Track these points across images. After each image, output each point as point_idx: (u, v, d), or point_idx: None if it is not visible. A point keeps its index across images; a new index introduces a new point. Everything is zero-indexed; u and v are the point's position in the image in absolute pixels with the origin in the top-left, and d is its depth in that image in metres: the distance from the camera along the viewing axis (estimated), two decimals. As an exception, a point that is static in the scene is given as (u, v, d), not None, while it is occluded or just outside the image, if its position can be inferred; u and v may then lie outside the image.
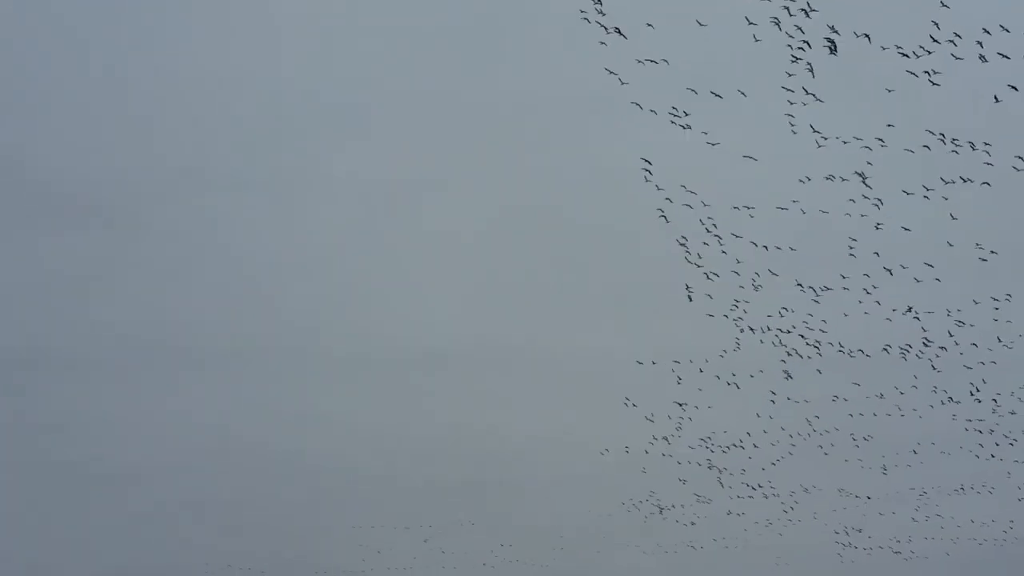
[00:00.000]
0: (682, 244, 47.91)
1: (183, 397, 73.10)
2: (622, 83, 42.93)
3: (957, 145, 42.26)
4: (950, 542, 67.64)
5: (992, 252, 45.14)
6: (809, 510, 64.83)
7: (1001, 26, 38.32)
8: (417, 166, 74.05)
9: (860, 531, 67.31)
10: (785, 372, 51.29)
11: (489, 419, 70.23)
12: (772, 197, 47.91)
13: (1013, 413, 53.96)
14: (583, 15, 41.26)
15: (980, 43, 38.29)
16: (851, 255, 47.56)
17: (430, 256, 75.41)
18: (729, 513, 63.90)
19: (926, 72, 39.57)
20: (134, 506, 70.37)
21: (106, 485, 70.57)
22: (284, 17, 71.98)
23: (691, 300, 49.68)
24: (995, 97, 40.03)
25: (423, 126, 73.08)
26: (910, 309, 48.51)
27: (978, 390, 51.96)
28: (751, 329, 50.90)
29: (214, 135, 75.02)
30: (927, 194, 44.83)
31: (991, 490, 62.90)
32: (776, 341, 50.79)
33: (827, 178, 45.51)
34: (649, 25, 41.43)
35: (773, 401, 55.19)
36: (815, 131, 43.32)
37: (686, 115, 43.43)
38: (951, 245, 47.03)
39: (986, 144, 42.12)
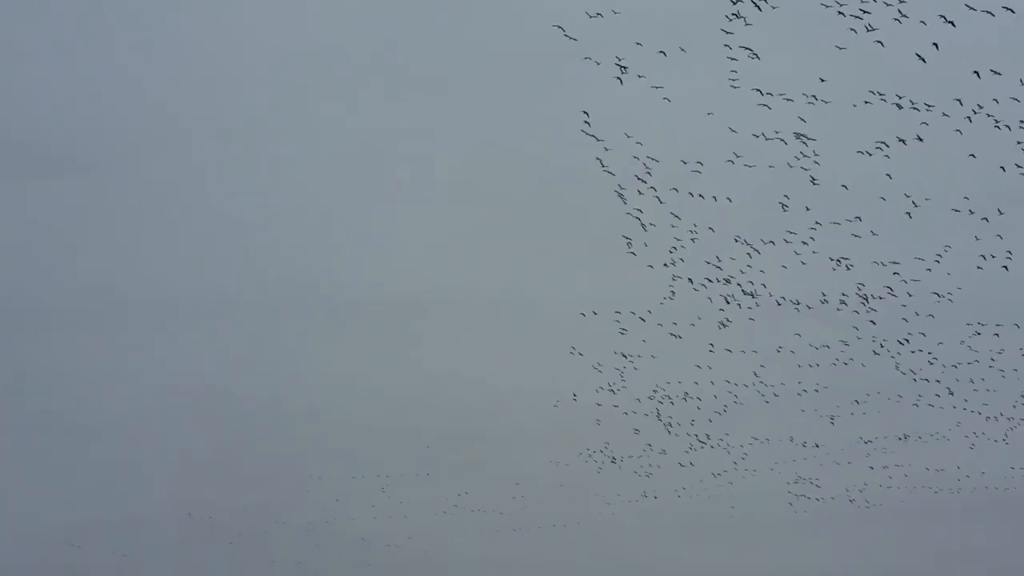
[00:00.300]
0: (619, 194, 48.10)
1: (162, 346, 73.60)
2: (570, 38, 43.19)
3: (899, 103, 42.41)
4: (906, 491, 68.24)
5: (915, 205, 45.40)
6: (761, 460, 65.35)
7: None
8: (396, 114, 74.08)
9: (817, 480, 67.78)
10: (720, 322, 51.60)
11: (446, 369, 70.72)
12: (716, 151, 48.10)
13: (956, 366, 54.33)
14: None
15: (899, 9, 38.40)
16: (787, 209, 47.78)
17: (405, 205, 75.55)
18: (682, 465, 64.36)
19: (867, 28, 39.65)
20: (107, 455, 70.88)
21: (81, 435, 71.11)
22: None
23: (631, 250, 50.10)
24: (920, 56, 40.13)
25: (402, 74, 73.04)
26: (842, 260, 48.74)
27: (908, 340, 52.38)
28: (689, 280, 51.14)
29: (195, 85, 75.08)
30: (867, 151, 45.05)
31: (945, 439, 63.34)
32: (718, 292, 51.10)
33: (767, 138, 45.61)
34: None
35: (711, 351, 55.56)
36: (759, 91, 43.50)
37: (625, 69, 43.57)
38: (884, 199, 47.24)
39: (928, 105, 42.34)
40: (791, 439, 63.63)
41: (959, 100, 41.16)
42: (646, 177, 46.65)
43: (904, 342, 52.19)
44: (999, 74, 39.15)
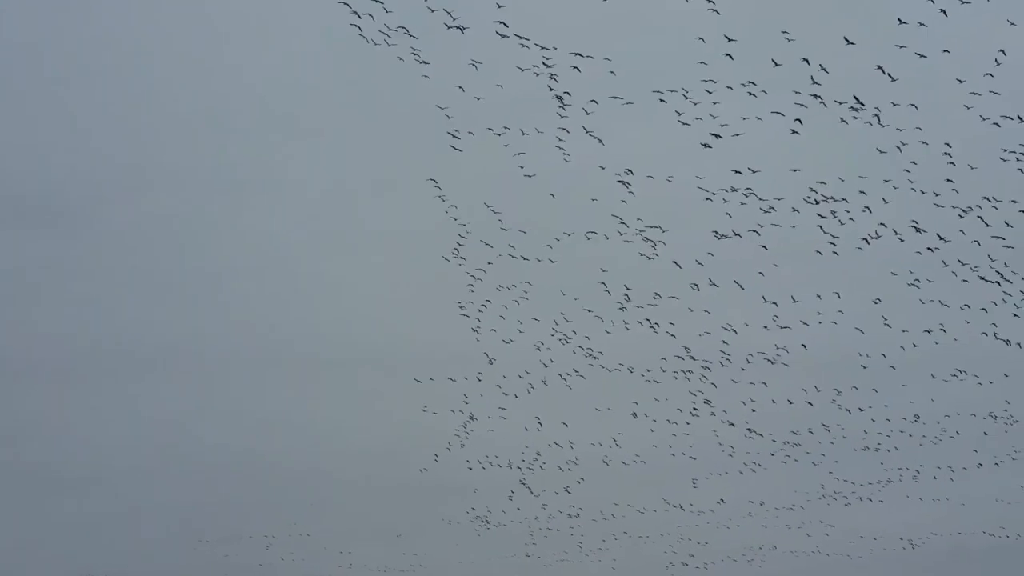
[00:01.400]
0: (451, 259, 48.81)
1: (134, 400, 73.58)
2: (448, 117, 44.20)
3: (748, 193, 43.46)
4: (806, 555, 67.96)
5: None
6: (640, 524, 65.13)
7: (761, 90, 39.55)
8: (364, 167, 74.28)
9: (705, 542, 67.33)
10: (541, 382, 52.28)
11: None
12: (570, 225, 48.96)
13: (799, 433, 54.67)
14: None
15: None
16: (606, 286, 48.56)
17: (379, 256, 75.45)
18: (551, 531, 64.36)
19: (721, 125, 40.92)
20: (88, 510, 70.72)
21: (60, 490, 71.15)
22: (230, 16, 72.30)
23: (464, 314, 50.77)
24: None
25: (370, 127, 73.21)
26: (665, 325, 49.24)
27: (739, 403, 52.86)
28: (540, 345, 51.77)
29: (159, 134, 75.49)
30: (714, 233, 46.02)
31: (822, 501, 63.18)
32: (559, 353, 51.68)
33: (621, 222, 46.30)
34: None
35: (571, 416, 55.89)
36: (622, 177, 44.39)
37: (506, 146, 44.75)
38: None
39: (777, 199, 43.49)
40: (664, 500, 63.47)
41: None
42: (462, 236, 47.60)
43: (714, 403, 52.76)
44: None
